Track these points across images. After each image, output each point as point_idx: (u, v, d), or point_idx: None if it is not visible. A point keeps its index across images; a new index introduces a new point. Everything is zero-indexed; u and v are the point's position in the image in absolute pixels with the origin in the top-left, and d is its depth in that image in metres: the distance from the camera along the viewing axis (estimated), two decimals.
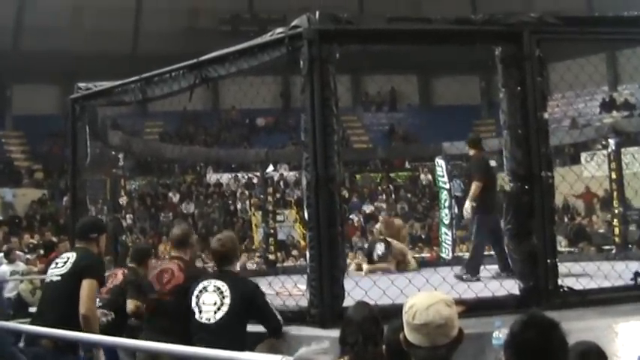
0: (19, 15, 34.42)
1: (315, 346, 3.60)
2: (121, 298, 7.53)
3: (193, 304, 6.23)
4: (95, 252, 6.97)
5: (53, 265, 6.87)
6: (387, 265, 13.37)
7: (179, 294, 6.54)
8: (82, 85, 10.01)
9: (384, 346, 4.41)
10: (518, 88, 7.25)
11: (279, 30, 7.24)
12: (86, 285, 6.46)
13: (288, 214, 27.96)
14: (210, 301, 6.15)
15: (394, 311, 5.25)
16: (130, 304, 7.39)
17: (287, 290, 7.58)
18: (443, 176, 16.11)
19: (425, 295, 3.65)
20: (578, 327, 4.49)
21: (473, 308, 6.14)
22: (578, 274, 8.03)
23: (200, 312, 6.17)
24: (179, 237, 7.09)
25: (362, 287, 6.39)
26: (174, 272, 6.69)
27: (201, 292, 6.24)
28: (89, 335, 6.11)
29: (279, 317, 6.33)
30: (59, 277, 6.67)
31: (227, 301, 6.10)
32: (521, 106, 7.22)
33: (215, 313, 6.09)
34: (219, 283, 6.20)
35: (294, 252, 24.63)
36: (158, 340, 5.90)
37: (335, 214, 6.71)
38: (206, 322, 6.11)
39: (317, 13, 7.00)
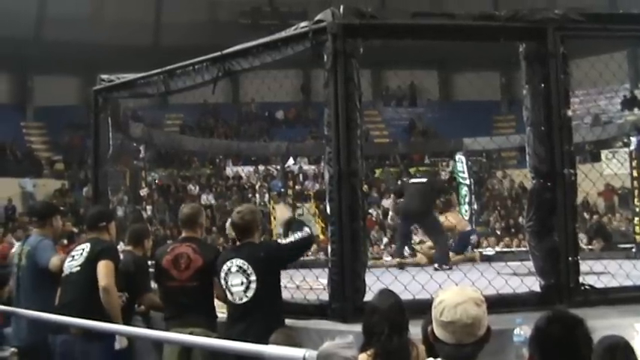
0: (41, 5, 34.54)
1: (339, 341, 3.60)
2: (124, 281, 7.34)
3: (223, 284, 6.32)
4: (107, 239, 7.06)
5: (70, 259, 6.96)
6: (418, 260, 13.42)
7: (203, 278, 6.62)
8: (104, 76, 10.03)
9: (419, 337, 4.41)
10: (542, 85, 7.23)
11: (303, 24, 7.23)
12: (102, 264, 6.64)
13: (308, 207, 27.97)
14: (237, 282, 6.21)
15: (415, 307, 5.28)
16: (154, 298, 7.32)
17: (308, 284, 7.59)
18: (463, 172, 16.10)
19: (456, 292, 3.63)
20: (599, 325, 4.48)
21: (494, 305, 6.11)
22: (599, 272, 7.99)
23: (232, 293, 6.26)
24: (189, 216, 7.03)
25: (383, 282, 6.37)
26: (190, 256, 6.66)
27: (227, 274, 6.28)
28: (122, 327, 6.15)
29: (301, 237, 6.37)
30: (78, 268, 6.76)
31: (252, 277, 6.15)
32: (545, 103, 7.20)
33: (245, 292, 6.17)
34: (240, 262, 6.22)
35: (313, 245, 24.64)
36: (193, 326, 6.29)
37: (357, 209, 6.71)
38: (239, 302, 6.20)
39: (341, 7, 6.99)
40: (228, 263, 6.31)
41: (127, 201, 11.80)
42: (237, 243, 6.56)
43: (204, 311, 6.66)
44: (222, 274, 6.32)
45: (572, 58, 7.42)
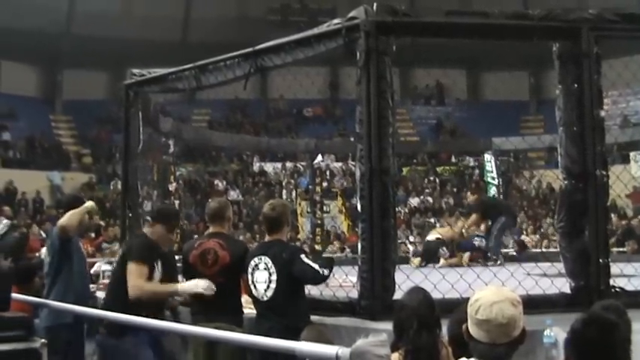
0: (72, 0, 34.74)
1: (373, 338, 3.59)
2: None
3: (250, 280, 6.35)
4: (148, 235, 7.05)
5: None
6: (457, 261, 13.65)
7: (230, 274, 6.60)
8: (136, 71, 10.07)
9: (446, 338, 4.39)
10: (575, 85, 7.17)
11: (336, 21, 7.23)
12: (128, 268, 6.57)
13: (334, 205, 27.91)
14: (262, 279, 6.24)
15: (445, 306, 5.26)
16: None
17: (337, 281, 7.58)
18: (492, 171, 16.05)
19: (492, 291, 3.62)
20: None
21: (523, 306, 6.09)
22: (630, 274, 7.93)
23: (256, 289, 6.29)
24: (216, 210, 6.99)
25: (413, 280, 6.35)
26: (217, 252, 6.64)
27: (253, 269, 6.32)
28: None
29: (317, 270, 6.23)
30: (114, 265, 6.88)
31: (274, 277, 6.18)
32: (578, 104, 7.14)
33: (266, 290, 6.21)
34: (267, 260, 6.25)
35: (337, 243, 24.54)
36: (219, 322, 6.18)
37: (388, 207, 6.71)
38: (262, 298, 6.24)
39: (374, 4, 6.99)
40: (257, 259, 6.33)
41: (156, 195, 11.80)
42: (267, 238, 6.55)
43: (230, 307, 6.65)
44: (250, 269, 6.35)
45: (605, 59, 7.36)
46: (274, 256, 6.25)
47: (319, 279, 6.32)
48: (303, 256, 6.31)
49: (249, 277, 6.35)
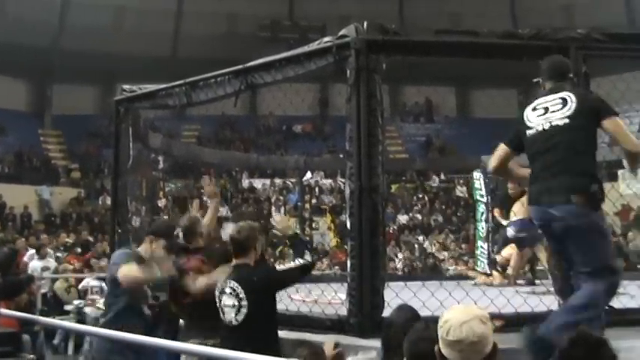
0: (62, 14, 34.80)
1: (362, 356, 3.61)
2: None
3: (217, 303, 6.15)
4: None
5: None
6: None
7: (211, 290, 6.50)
8: (126, 87, 10.07)
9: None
10: None
11: (327, 39, 7.26)
12: None
13: (323, 221, 27.89)
14: (230, 304, 6.00)
15: (433, 322, 5.28)
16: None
17: (326, 298, 7.58)
18: (480, 189, 15.99)
19: (460, 311, 3.65)
20: (618, 346, 4.47)
21: (512, 323, 6.12)
22: (618, 292, 7.95)
23: (223, 314, 6.07)
24: (187, 228, 7.03)
25: (401, 298, 6.35)
26: (201, 269, 6.67)
27: (221, 293, 6.10)
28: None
29: (299, 266, 6.10)
30: None
31: (244, 302, 5.92)
32: None
33: (236, 315, 5.95)
34: (234, 284, 6.00)
35: (325, 260, 24.46)
36: (212, 339, 6.18)
37: (377, 225, 6.72)
38: (230, 323, 6.01)
39: (365, 23, 7.02)
40: (223, 283, 6.11)
41: (145, 211, 11.78)
42: (233, 261, 6.29)
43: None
44: (217, 292, 6.15)
45: (593, 77, 7.42)
46: (243, 281, 5.99)
47: (307, 269, 6.21)
48: (277, 268, 6.18)
49: (217, 300, 6.14)
